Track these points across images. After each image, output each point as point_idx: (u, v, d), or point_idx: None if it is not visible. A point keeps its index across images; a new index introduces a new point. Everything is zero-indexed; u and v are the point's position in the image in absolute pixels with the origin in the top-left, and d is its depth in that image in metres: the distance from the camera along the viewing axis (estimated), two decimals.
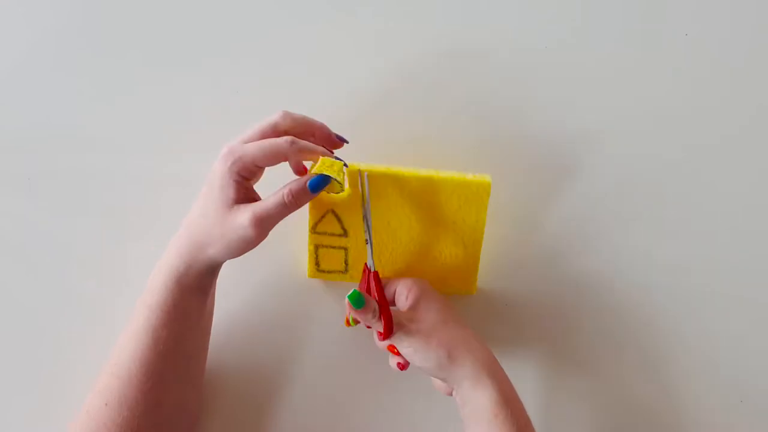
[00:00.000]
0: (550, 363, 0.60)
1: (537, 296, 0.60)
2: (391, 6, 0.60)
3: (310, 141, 0.49)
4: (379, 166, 0.55)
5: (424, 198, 0.55)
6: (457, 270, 0.58)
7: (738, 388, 0.60)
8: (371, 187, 0.54)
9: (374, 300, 0.50)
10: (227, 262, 0.50)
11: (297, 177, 0.49)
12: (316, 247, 0.57)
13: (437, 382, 0.53)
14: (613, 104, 0.61)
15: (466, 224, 0.56)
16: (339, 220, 0.56)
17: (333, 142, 0.51)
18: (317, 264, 0.57)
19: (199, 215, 0.49)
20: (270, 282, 0.57)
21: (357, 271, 0.57)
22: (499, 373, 0.50)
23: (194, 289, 0.49)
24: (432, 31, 0.60)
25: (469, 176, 0.55)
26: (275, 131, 0.49)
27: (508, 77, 0.60)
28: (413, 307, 0.52)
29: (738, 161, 0.61)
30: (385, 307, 0.49)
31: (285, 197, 0.47)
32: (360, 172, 0.53)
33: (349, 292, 0.48)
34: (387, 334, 0.49)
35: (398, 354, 0.50)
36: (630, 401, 0.60)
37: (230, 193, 0.48)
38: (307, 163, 0.50)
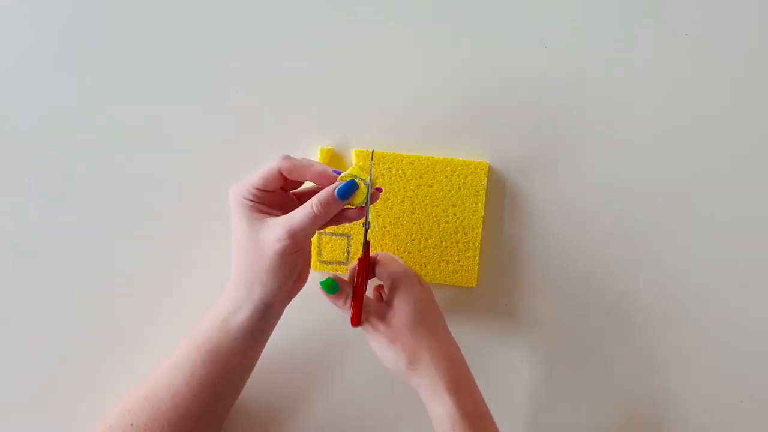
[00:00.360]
0: (550, 362, 0.60)
1: (537, 296, 0.60)
2: (391, 6, 0.60)
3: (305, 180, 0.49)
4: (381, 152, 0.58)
5: (425, 180, 0.58)
6: (457, 259, 0.58)
7: (738, 388, 0.60)
8: (374, 169, 0.55)
9: (350, 286, 0.51)
10: None
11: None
12: (320, 234, 0.58)
13: None
14: (613, 104, 0.61)
15: (466, 207, 0.58)
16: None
17: (329, 180, 0.49)
18: (320, 253, 0.58)
19: (238, 256, 0.48)
20: None
21: None
22: (462, 384, 0.49)
23: (239, 334, 0.48)
24: (432, 30, 0.60)
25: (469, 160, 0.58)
26: (273, 172, 0.48)
27: (508, 76, 0.60)
28: (389, 302, 0.51)
29: (739, 161, 0.61)
30: (358, 297, 0.50)
31: (314, 207, 0.46)
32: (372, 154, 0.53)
33: (323, 279, 0.50)
34: (354, 322, 0.50)
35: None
36: (630, 401, 0.60)
37: (246, 214, 0.47)
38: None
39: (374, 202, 0.50)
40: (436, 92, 0.60)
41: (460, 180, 0.59)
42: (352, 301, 0.50)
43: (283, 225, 0.46)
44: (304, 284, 0.52)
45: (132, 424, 0.47)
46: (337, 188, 0.47)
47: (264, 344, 0.51)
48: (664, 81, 0.61)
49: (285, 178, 0.48)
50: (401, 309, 0.50)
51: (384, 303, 0.52)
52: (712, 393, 0.60)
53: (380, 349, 0.50)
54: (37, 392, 0.58)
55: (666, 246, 0.60)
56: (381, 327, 0.50)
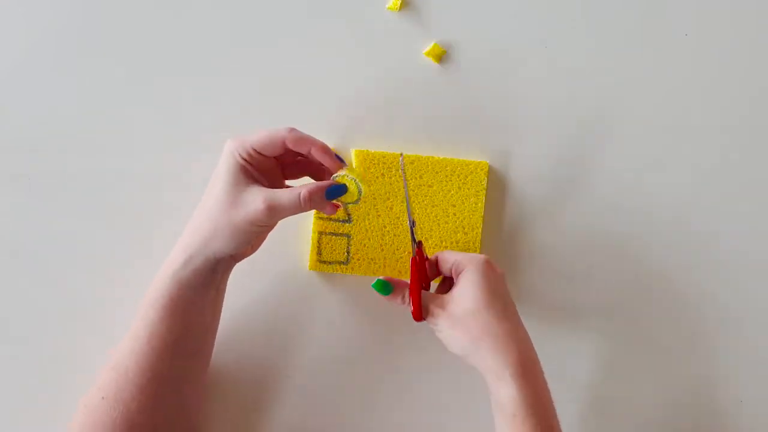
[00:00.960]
0: (550, 363, 0.60)
1: (537, 296, 0.60)
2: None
3: (307, 156, 0.50)
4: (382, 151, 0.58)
5: (425, 180, 0.58)
6: None
7: (738, 388, 0.60)
8: (374, 169, 0.57)
9: (405, 284, 0.52)
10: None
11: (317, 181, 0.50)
12: (320, 234, 0.58)
13: None
14: (613, 103, 0.61)
15: (466, 207, 0.58)
16: (344, 204, 0.57)
17: (330, 159, 0.50)
18: (319, 253, 0.58)
19: (207, 203, 0.49)
20: (270, 275, 0.57)
21: (357, 263, 0.58)
22: (528, 372, 0.48)
23: (192, 284, 0.48)
24: (432, 30, 0.60)
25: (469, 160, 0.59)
26: (276, 140, 0.49)
27: (507, 76, 0.60)
28: (451, 291, 0.52)
29: (738, 160, 0.61)
30: (415, 293, 0.50)
31: (300, 197, 0.47)
32: (401, 156, 0.55)
33: (373, 282, 0.52)
34: (416, 317, 0.51)
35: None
36: (629, 401, 0.60)
37: (235, 171, 0.48)
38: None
39: (330, 213, 0.51)
40: (437, 92, 0.60)
41: (460, 180, 0.58)
42: (411, 297, 0.51)
43: (265, 199, 0.47)
44: (253, 252, 0.53)
45: (103, 398, 0.48)
46: (327, 188, 0.48)
47: (219, 300, 0.52)
48: (664, 81, 0.61)
49: (285, 149, 0.49)
50: (462, 296, 0.50)
51: (446, 293, 0.52)
52: (712, 393, 0.60)
53: (444, 337, 0.50)
54: (37, 390, 0.58)
55: (667, 244, 0.60)
56: (442, 316, 0.50)
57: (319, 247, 0.58)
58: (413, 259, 0.52)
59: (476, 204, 0.58)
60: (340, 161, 0.51)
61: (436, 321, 0.50)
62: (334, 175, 0.49)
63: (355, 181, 0.49)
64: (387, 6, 0.60)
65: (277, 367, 0.59)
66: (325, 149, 0.50)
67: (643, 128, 0.61)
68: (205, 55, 0.60)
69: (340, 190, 0.49)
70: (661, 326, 0.60)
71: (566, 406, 0.60)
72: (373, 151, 0.58)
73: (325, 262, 0.58)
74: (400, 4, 0.60)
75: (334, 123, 0.60)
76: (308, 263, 0.58)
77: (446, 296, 0.51)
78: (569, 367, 0.60)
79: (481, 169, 0.59)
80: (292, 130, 0.49)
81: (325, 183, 0.48)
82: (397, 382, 0.59)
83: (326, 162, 0.50)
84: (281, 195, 0.47)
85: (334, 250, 0.58)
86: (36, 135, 0.60)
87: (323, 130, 0.60)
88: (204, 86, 0.60)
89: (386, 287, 0.52)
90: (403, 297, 0.52)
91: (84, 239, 0.59)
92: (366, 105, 0.60)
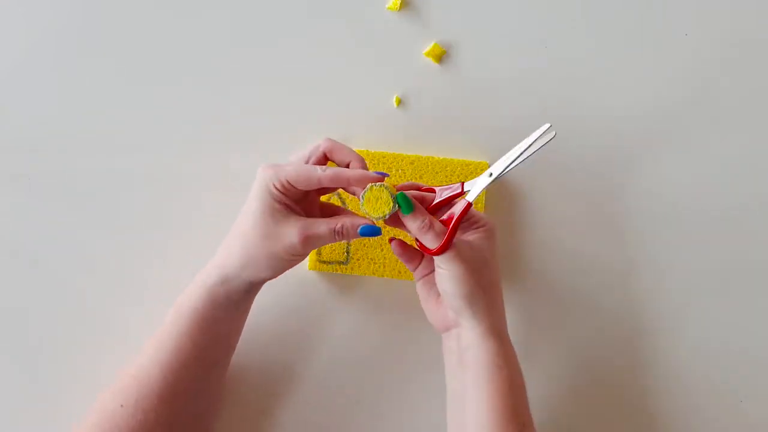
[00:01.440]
0: (549, 363, 0.60)
1: (536, 296, 0.60)
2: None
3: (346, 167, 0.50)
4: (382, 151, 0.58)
5: (425, 180, 0.58)
6: None
7: (738, 388, 0.60)
8: (374, 170, 0.57)
9: (426, 213, 0.49)
10: None
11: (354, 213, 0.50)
12: None
13: (433, 316, 0.52)
14: (612, 103, 0.61)
15: None
16: (344, 203, 0.57)
17: (368, 177, 0.49)
18: (319, 253, 0.58)
19: (242, 229, 0.48)
20: None
21: (357, 263, 0.58)
22: (506, 331, 0.51)
23: (226, 302, 0.49)
24: (432, 30, 0.60)
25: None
26: (317, 150, 0.50)
27: (507, 76, 0.61)
28: (468, 238, 0.50)
29: (739, 160, 0.61)
30: (454, 224, 0.48)
31: (336, 232, 0.48)
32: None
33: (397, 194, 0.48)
34: (440, 251, 0.47)
35: (424, 248, 0.49)
36: (628, 401, 0.60)
37: (269, 202, 0.47)
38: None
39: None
40: (436, 92, 0.60)
41: (460, 180, 0.58)
42: (447, 234, 0.47)
43: (301, 231, 0.47)
44: (284, 271, 0.52)
45: (122, 405, 0.47)
46: (361, 226, 0.48)
47: (246, 316, 0.53)
48: (664, 81, 0.61)
49: (320, 186, 0.48)
50: (483, 246, 0.50)
51: (471, 238, 0.51)
52: (712, 393, 0.60)
53: (449, 278, 0.48)
54: (37, 390, 0.58)
55: (666, 240, 0.60)
56: (458, 256, 0.48)
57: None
58: (469, 204, 0.49)
59: (476, 204, 0.58)
60: (381, 175, 0.49)
61: (450, 259, 0.48)
62: (366, 187, 0.48)
63: (387, 188, 0.47)
64: (387, 6, 0.60)
65: (276, 366, 0.59)
66: (361, 179, 0.48)
67: (643, 127, 0.61)
68: (205, 56, 0.60)
69: (373, 231, 0.48)
70: (662, 327, 0.60)
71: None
72: (373, 151, 0.58)
73: (324, 262, 0.58)
74: (400, 4, 0.60)
75: (334, 123, 0.60)
76: (308, 263, 0.58)
77: (467, 238, 0.50)
78: (561, 368, 0.60)
79: (481, 170, 0.59)
80: (325, 170, 0.47)
81: (360, 221, 0.48)
82: (397, 381, 0.59)
83: (361, 186, 0.48)
84: (317, 227, 0.47)
85: (334, 250, 0.58)
86: (36, 135, 0.60)
87: (323, 130, 0.60)
88: (204, 86, 0.60)
89: (408, 205, 0.48)
90: (425, 221, 0.48)
91: (84, 239, 0.59)
92: (366, 105, 0.60)
